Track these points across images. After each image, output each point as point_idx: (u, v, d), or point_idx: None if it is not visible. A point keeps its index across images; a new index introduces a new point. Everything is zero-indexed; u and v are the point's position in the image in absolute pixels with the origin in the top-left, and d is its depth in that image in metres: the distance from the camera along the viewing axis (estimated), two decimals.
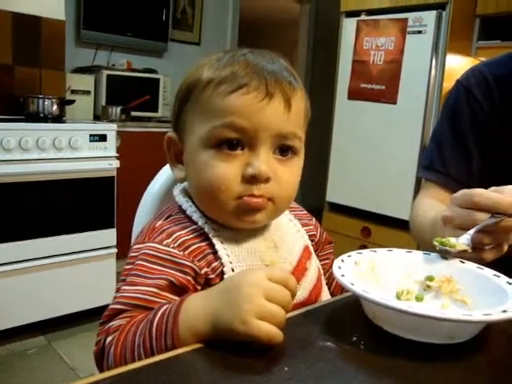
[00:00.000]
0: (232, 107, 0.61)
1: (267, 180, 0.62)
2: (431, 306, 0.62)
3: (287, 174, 0.65)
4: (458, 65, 2.85)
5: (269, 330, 0.49)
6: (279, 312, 0.50)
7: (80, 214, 2.41)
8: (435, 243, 0.69)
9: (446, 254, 0.68)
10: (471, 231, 0.68)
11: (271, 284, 0.51)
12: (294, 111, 0.64)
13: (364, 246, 3.09)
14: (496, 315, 0.50)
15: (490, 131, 1.07)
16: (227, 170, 0.62)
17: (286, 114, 0.63)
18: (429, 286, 0.64)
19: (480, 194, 0.69)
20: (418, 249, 0.73)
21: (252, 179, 0.61)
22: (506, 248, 0.71)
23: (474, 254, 0.69)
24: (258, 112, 0.61)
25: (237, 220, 0.65)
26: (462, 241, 0.68)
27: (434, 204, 1.02)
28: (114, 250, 2.52)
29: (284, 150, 0.65)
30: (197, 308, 0.53)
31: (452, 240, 0.68)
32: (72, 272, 2.40)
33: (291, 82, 0.65)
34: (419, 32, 2.82)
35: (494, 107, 1.08)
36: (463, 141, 1.09)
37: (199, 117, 0.64)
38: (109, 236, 2.50)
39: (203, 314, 0.52)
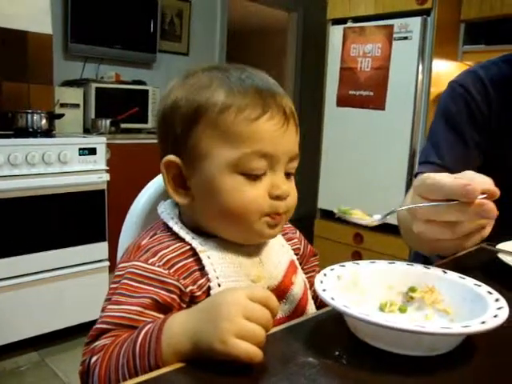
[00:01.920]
0: (260, 133, 0.64)
1: (287, 197, 0.67)
2: (415, 318, 0.62)
3: (293, 190, 0.69)
4: (445, 70, 2.88)
5: (248, 349, 0.49)
6: (259, 331, 0.50)
7: (71, 228, 2.41)
8: (335, 210, 0.70)
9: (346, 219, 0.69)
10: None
11: (251, 303, 0.52)
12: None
13: (357, 252, 3.09)
14: (474, 327, 0.50)
15: (487, 129, 1.08)
16: (257, 193, 0.65)
17: (296, 137, 0.69)
18: (412, 297, 0.65)
19: (432, 183, 0.66)
20: (410, 252, 0.73)
21: (277, 198, 0.66)
22: (487, 231, 0.68)
23: (453, 242, 0.68)
24: (281, 137, 0.65)
25: (259, 236, 0.68)
26: (376, 216, 0.68)
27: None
28: (106, 264, 2.51)
29: (289, 175, 0.69)
30: (178, 327, 0.53)
31: (354, 210, 0.68)
32: (64, 286, 2.39)
33: (292, 103, 0.69)
34: (405, 38, 2.85)
35: (490, 107, 1.09)
36: (460, 135, 1.09)
37: (219, 141, 0.64)
38: (100, 249, 2.49)
39: (184, 333, 0.52)
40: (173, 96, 0.68)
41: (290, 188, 0.68)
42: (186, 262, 0.65)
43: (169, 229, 0.69)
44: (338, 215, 0.70)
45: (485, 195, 0.63)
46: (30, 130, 2.54)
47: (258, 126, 0.63)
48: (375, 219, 0.70)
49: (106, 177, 2.47)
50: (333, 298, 0.54)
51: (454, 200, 0.64)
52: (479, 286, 0.62)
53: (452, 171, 1.04)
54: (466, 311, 0.58)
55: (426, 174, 0.69)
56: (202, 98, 0.65)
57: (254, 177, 0.64)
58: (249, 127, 0.63)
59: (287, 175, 0.68)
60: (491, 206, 0.63)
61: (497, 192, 0.64)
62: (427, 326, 0.50)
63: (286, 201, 0.67)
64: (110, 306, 0.61)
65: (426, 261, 1.08)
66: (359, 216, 0.68)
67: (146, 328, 0.55)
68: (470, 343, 0.56)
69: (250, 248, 0.70)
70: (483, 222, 0.66)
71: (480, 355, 0.56)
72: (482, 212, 0.63)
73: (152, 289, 0.61)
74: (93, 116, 3.00)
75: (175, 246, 0.66)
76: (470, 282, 0.64)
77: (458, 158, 1.07)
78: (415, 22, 2.80)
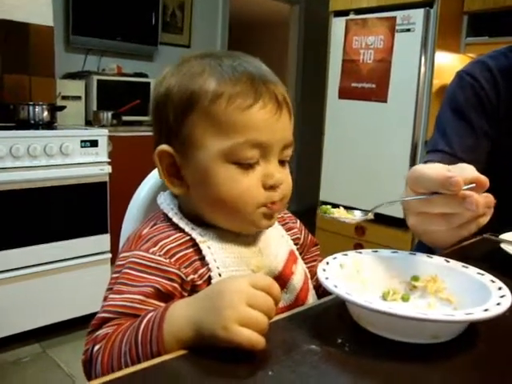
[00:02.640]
0: (252, 122, 0.63)
1: (280, 186, 0.66)
2: (417, 306, 0.62)
3: (287, 177, 0.68)
4: (448, 62, 2.86)
5: (251, 337, 0.49)
6: (261, 319, 0.50)
7: (73, 220, 2.41)
8: (318, 211, 0.70)
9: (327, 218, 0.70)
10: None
11: (254, 291, 0.52)
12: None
13: (359, 245, 3.09)
14: (478, 314, 0.50)
15: (495, 118, 1.08)
16: (250, 183, 0.64)
17: (290, 124, 0.68)
18: (415, 286, 0.65)
19: (416, 176, 0.66)
20: (412, 244, 0.73)
21: (271, 188, 0.65)
22: (484, 220, 0.67)
23: (447, 233, 0.67)
24: (274, 125, 0.65)
25: (257, 226, 0.68)
26: (357, 213, 0.68)
27: None
28: (108, 255, 2.52)
29: (283, 162, 0.68)
30: (180, 315, 0.53)
31: (335, 209, 0.68)
32: (66, 278, 2.39)
33: (285, 90, 0.68)
34: (408, 30, 2.83)
35: (499, 96, 1.08)
36: (468, 123, 1.08)
37: (212, 130, 0.64)
38: (102, 241, 2.50)
39: (186, 321, 0.52)
40: (166, 84, 0.68)
41: (284, 175, 0.67)
42: (186, 251, 0.65)
43: (169, 219, 0.69)
44: (320, 214, 0.69)
45: (472, 185, 0.62)
46: (32, 122, 2.53)
47: (250, 115, 0.63)
48: (356, 217, 0.69)
49: (108, 169, 2.47)
50: (336, 286, 0.54)
51: (440, 192, 0.63)
52: (482, 274, 0.62)
53: (460, 159, 1.04)
54: (469, 300, 0.58)
55: (414, 166, 0.68)
56: (194, 86, 0.64)
57: (246, 166, 0.64)
58: (241, 116, 0.63)
59: (281, 163, 0.68)
60: (475, 199, 0.61)
61: (485, 182, 0.63)
62: (430, 314, 0.49)
63: (281, 189, 0.66)
64: (111, 296, 0.61)
65: (429, 252, 1.08)
66: (340, 214, 0.68)
67: (148, 316, 0.55)
68: (473, 331, 0.56)
69: (249, 238, 0.70)
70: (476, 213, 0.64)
71: (482, 343, 0.56)
72: (465, 204, 0.62)
73: (153, 278, 0.61)
74: (94, 108, 3.00)
75: (175, 236, 0.66)
76: (472, 270, 0.64)
77: (467, 146, 1.07)
78: (418, 14, 2.79)
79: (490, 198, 0.64)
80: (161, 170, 0.68)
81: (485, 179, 0.63)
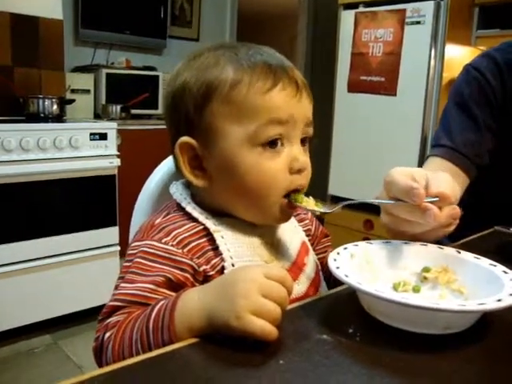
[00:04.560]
0: (273, 103, 0.63)
1: (306, 169, 0.67)
2: (428, 297, 0.62)
3: (309, 162, 0.68)
4: (458, 55, 2.84)
5: (264, 326, 0.49)
6: (275, 309, 0.50)
7: (82, 212, 2.42)
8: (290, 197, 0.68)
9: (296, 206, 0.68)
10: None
11: (268, 281, 0.52)
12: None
13: (367, 239, 3.07)
14: (490, 304, 0.50)
15: (502, 113, 1.07)
16: (277, 167, 0.64)
17: (310, 106, 0.68)
18: (425, 278, 0.64)
19: (392, 182, 0.68)
20: None
21: (297, 172, 0.65)
22: (449, 230, 0.69)
23: (418, 236, 0.69)
24: (295, 106, 0.65)
25: (278, 219, 0.68)
26: (325, 207, 0.68)
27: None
28: (117, 248, 2.53)
29: (304, 140, 0.68)
30: (192, 303, 0.53)
31: (305, 198, 0.67)
32: (76, 271, 2.41)
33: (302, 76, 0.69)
34: (418, 23, 2.81)
35: (505, 91, 1.07)
36: (473, 118, 1.08)
37: (233, 117, 0.63)
38: (111, 234, 2.51)
39: (198, 309, 0.52)
40: (181, 78, 0.67)
41: (307, 160, 0.67)
42: (199, 241, 0.65)
43: (182, 209, 0.68)
44: (291, 202, 0.69)
45: (436, 199, 0.64)
46: (42, 115, 2.55)
47: (270, 97, 0.63)
48: (321, 209, 0.69)
49: (117, 162, 2.47)
50: (347, 276, 0.54)
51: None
52: (494, 265, 0.61)
53: (462, 153, 1.04)
54: (481, 291, 0.58)
55: (393, 169, 0.70)
56: (211, 75, 0.64)
57: (272, 146, 0.64)
58: (261, 99, 0.63)
59: (303, 143, 0.68)
60: (434, 212, 0.63)
61: (448, 197, 0.65)
62: (442, 303, 0.49)
63: (305, 173, 0.67)
64: (122, 284, 0.61)
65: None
66: (309, 204, 0.67)
67: (160, 304, 0.55)
68: (484, 322, 0.56)
69: (263, 229, 0.70)
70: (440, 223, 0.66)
71: (494, 334, 0.56)
72: (425, 216, 0.64)
73: (165, 268, 0.61)
74: (103, 102, 3.01)
75: (189, 225, 0.66)
76: (484, 261, 0.63)
77: (469, 141, 1.06)
78: (428, 7, 2.76)
79: (455, 211, 0.66)
80: (182, 162, 0.67)
81: (448, 195, 0.65)
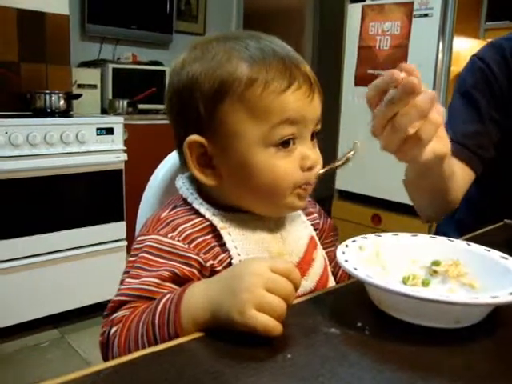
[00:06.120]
0: (287, 104, 0.62)
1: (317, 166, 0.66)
2: (438, 291, 0.61)
3: (320, 156, 0.68)
4: (466, 48, 2.81)
5: (267, 322, 0.48)
6: (279, 304, 0.49)
7: (89, 207, 2.43)
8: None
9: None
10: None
11: (273, 275, 0.50)
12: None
13: None
14: (504, 297, 0.49)
15: (506, 103, 1.05)
16: (288, 166, 0.63)
17: (320, 103, 0.67)
18: (435, 271, 0.63)
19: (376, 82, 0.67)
20: (429, 233, 0.71)
21: (308, 169, 0.65)
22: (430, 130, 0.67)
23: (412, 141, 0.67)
24: (308, 105, 0.64)
25: (290, 209, 0.69)
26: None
27: None
28: (124, 243, 2.53)
29: (313, 134, 0.68)
30: (198, 296, 0.52)
31: None
32: (83, 265, 2.41)
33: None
34: (425, 15, 2.78)
35: (510, 81, 1.06)
36: (476, 109, 1.06)
37: (247, 117, 0.62)
38: (118, 229, 2.51)
39: (203, 303, 0.51)
40: (187, 71, 0.64)
41: (318, 157, 0.67)
42: (206, 237, 0.64)
43: (188, 203, 0.67)
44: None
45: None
46: (48, 110, 2.54)
47: (285, 97, 0.62)
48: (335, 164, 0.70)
49: (124, 157, 2.47)
50: (355, 269, 0.53)
51: None
52: (506, 258, 0.60)
53: (462, 144, 1.02)
54: (492, 284, 0.57)
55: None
56: (223, 72, 0.62)
57: (285, 146, 0.63)
58: (277, 99, 0.61)
59: (311, 138, 0.67)
60: (410, 79, 0.62)
61: (413, 69, 0.63)
62: (454, 296, 0.48)
63: (315, 169, 0.66)
64: (128, 279, 0.60)
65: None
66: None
67: (166, 298, 0.54)
68: (495, 316, 0.55)
69: (272, 224, 0.69)
70: (419, 105, 0.64)
71: (505, 328, 0.55)
72: (406, 85, 0.62)
73: (171, 263, 0.60)
74: (110, 97, 3.00)
75: (195, 221, 0.65)
76: (495, 254, 0.62)
77: (470, 132, 1.05)
78: None
79: (431, 92, 0.64)
80: (191, 161, 0.65)
81: (412, 65, 0.64)
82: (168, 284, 0.59)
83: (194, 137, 0.64)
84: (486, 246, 0.66)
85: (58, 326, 2.37)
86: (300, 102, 0.63)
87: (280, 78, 0.62)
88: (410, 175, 0.86)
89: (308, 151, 0.65)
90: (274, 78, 0.62)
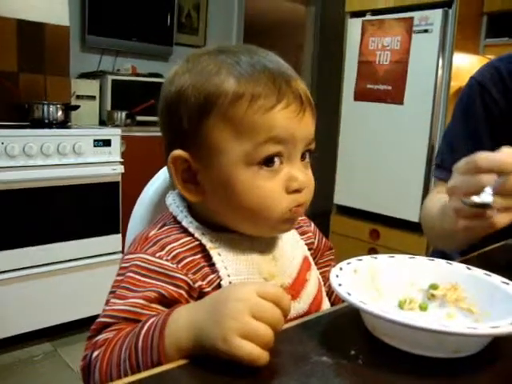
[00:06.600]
0: (274, 122, 0.59)
1: (305, 189, 0.63)
2: (435, 316, 0.59)
3: (311, 180, 0.65)
4: (466, 63, 2.81)
5: (252, 351, 0.45)
6: (265, 332, 0.46)
7: (85, 219, 2.40)
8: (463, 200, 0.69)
9: (469, 206, 0.69)
10: (488, 189, 0.67)
11: (260, 300, 0.48)
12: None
13: (373, 249, 3.04)
14: (504, 328, 0.46)
15: (505, 128, 1.04)
16: (273, 188, 0.60)
17: (313, 122, 0.64)
18: (433, 295, 0.61)
19: (483, 157, 0.68)
20: (428, 249, 0.70)
21: (295, 191, 0.62)
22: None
23: (485, 220, 0.70)
24: (297, 124, 0.61)
25: (278, 231, 0.66)
26: (485, 196, 0.67)
27: (444, 197, 0.99)
28: (120, 256, 2.49)
29: (305, 155, 0.65)
30: (182, 321, 0.50)
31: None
32: (78, 278, 2.39)
33: (305, 85, 0.65)
34: (425, 31, 2.78)
35: (510, 103, 1.05)
36: (477, 138, 1.06)
37: (232, 134, 0.59)
38: (114, 241, 2.49)
39: (188, 329, 0.49)
40: (177, 83, 0.63)
41: (307, 179, 0.63)
42: (194, 257, 0.61)
43: (178, 221, 0.65)
44: (463, 201, 0.70)
45: None
46: (46, 121, 2.53)
47: (272, 115, 0.59)
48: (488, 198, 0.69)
49: (121, 169, 2.45)
50: (349, 294, 0.51)
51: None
52: (507, 283, 0.58)
53: None
54: (493, 310, 0.54)
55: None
56: (211, 86, 0.60)
57: (269, 165, 0.60)
58: (262, 118, 0.59)
59: (303, 158, 0.64)
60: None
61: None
62: (452, 326, 0.46)
63: (304, 192, 0.63)
64: (113, 300, 0.58)
65: (444, 258, 1.04)
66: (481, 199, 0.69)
67: (150, 322, 0.52)
68: (495, 346, 0.52)
69: (263, 244, 0.66)
70: None
71: (506, 359, 0.52)
72: None
73: (158, 283, 0.57)
74: (109, 108, 3.00)
75: (184, 240, 0.63)
76: (496, 279, 0.60)
77: None
78: (436, 15, 2.73)
79: None
80: (175, 176, 0.63)
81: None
82: (154, 305, 0.56)
83: (178, 152, 0.62)
84: (486, 267, 0.64)
85: (51, 339, 2.33)
86: (289, 120, 0.60)
87: (268, 94, 0.59)
88: (446, 227, 0.84)
89: (296, 172, 0.62)
90: (262, 94, 0.59)
